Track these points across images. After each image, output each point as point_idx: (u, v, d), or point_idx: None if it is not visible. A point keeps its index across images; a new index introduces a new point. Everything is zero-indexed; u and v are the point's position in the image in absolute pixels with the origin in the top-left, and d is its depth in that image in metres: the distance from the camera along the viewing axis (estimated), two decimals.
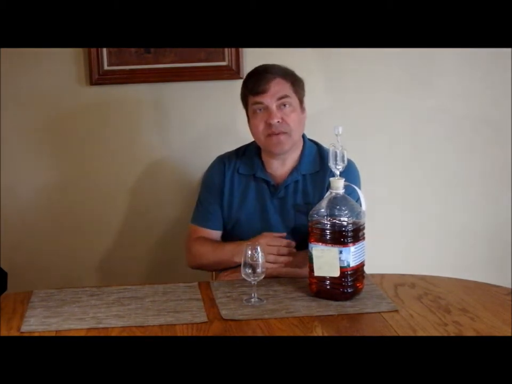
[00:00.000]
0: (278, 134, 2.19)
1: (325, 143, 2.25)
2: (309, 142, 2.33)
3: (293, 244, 2.15)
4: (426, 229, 2.95)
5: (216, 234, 2.33)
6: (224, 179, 2.32)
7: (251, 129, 2.27)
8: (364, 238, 2.00)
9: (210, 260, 2.26)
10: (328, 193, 2.01)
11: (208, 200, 2.34)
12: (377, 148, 2.86)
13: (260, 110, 2.21)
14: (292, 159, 2.28)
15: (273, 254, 2.09)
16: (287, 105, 2.20)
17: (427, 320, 1.85)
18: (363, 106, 2.82)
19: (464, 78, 2.86)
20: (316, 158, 2.30)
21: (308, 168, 2.28)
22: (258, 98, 2.20)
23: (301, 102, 2.25)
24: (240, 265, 1.97)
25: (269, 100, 2.19)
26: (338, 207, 1.96)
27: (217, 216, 2.32)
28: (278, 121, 2.18)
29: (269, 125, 2.19)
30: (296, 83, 2.24)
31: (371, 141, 2.84)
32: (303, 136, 2.31)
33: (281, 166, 2.28)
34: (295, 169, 2.28)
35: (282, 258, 2.10)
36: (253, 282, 1.97)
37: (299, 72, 2.28)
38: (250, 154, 2.33)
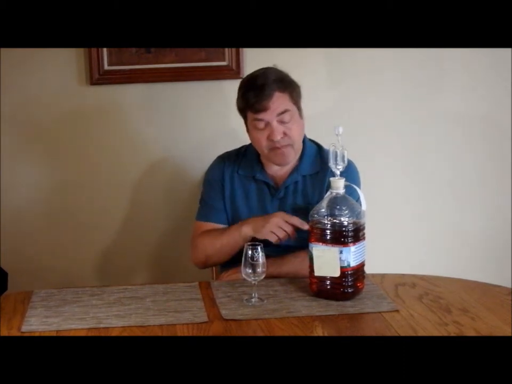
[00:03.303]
0: (281, 147, 2.19)
1: (325, 143, 2.25)
2: (309, 143, 2.33)
3: (306, 226, 2.10)
4: (427, 228, 2.95)
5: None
6: (224, 177, 2.32)
7: (252, 141, 2.26)
8: (364, 238, 2.00)
9: (217, 246, 2.24)
10: (329, 193, 2.00)
11: (211, 196, 2.33)
12: (378, 148, 2.86)
13: (261, 125, 2.19)
14: None
15: (286, 232, 2.12)
16: (287, 119, 2.18)
17: (427, 320, 1.85)
18: (364, 107, 2.82)
19: (464, 78, 2.86)
20: (316, 159, 2.30)
21: (308, 169, 2.28)
22: (258, 116, 2.18)
23: (299, 109, 2.24)
24: (241, 259, 1.97)
25: (270, 116, 2.16)
26: (338, 207, 1.96)
27: (221, 210, 2.31)
28: (281, 137, 2.18)
29: (271, 141, 2.18)
30: (294, 92, 2.22)
31: (372, 141, 2.84)
32: (303, 137, 2.31)
33: (281, 167, 2.28)
34: (295, 170, 2.28)
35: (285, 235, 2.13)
36: (253, 282, 1.97)
37: (299, 72, 2.27)
38: (250, 156, 2.33)
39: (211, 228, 2.30)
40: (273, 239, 2.13)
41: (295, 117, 2.21)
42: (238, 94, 2.25)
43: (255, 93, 2.17)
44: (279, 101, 2.17)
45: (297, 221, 2.12)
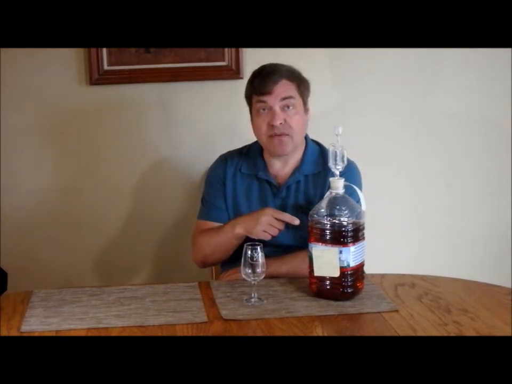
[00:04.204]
0: (280, 135, 2.20)
1: (325, 143, 2.25)
2: (312, 143, 2.33)
3: (297, 221, 2.13)
4: (427, 228, 2.95)
5: None
6: (226, 176, 2.32)
7: (253, 129, 2.27)
8: (363, 238, 2.00)
9: (212, 245, 2.25)
10: (328, 193, 2.00)
11: (212, 195, 2.33)
12: (378, 148, 2.86)
13: (264, 110, 2.21)
14: (294, 159, 2.29)
15: (277, 229, 2.12)
16: (290, 107, 2.20)
17: (427, 320, 1.85)
18: (364, 107, 2.82)
19: (465, 78, 2.86)
20: (318, 159, 2.30)
21: (310, 169, 2.28)
22: (262, 98, 2.20)
23: (305, 103, 2.26)
24: (240, 256, 1.97)
25: (273, 100, 2.19)
26: (338, 207, 1.96)
27: (222, 209, 2.31)
28: (281, 123, 2.19)
29: (271, 126, 2.20)
30: (302, 85, 2.24)
31: (372, 141, 2.84)
32: (306, 137, 2.31)
33: (283, 166, 2.29)
34: (297, 169, 2.28)
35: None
36: (253, 282, 1.97)
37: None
38: (253, 154, 2.33)
39: (210, 226, 2.31)
40: (266, 238, 2.13)
41: (299, 107, 2.22)
42: (247, 83, 2.28)
43: (262, 78, 2.21)
44: (284, 87, 2.20)
45: (287, 217, 2.13)
